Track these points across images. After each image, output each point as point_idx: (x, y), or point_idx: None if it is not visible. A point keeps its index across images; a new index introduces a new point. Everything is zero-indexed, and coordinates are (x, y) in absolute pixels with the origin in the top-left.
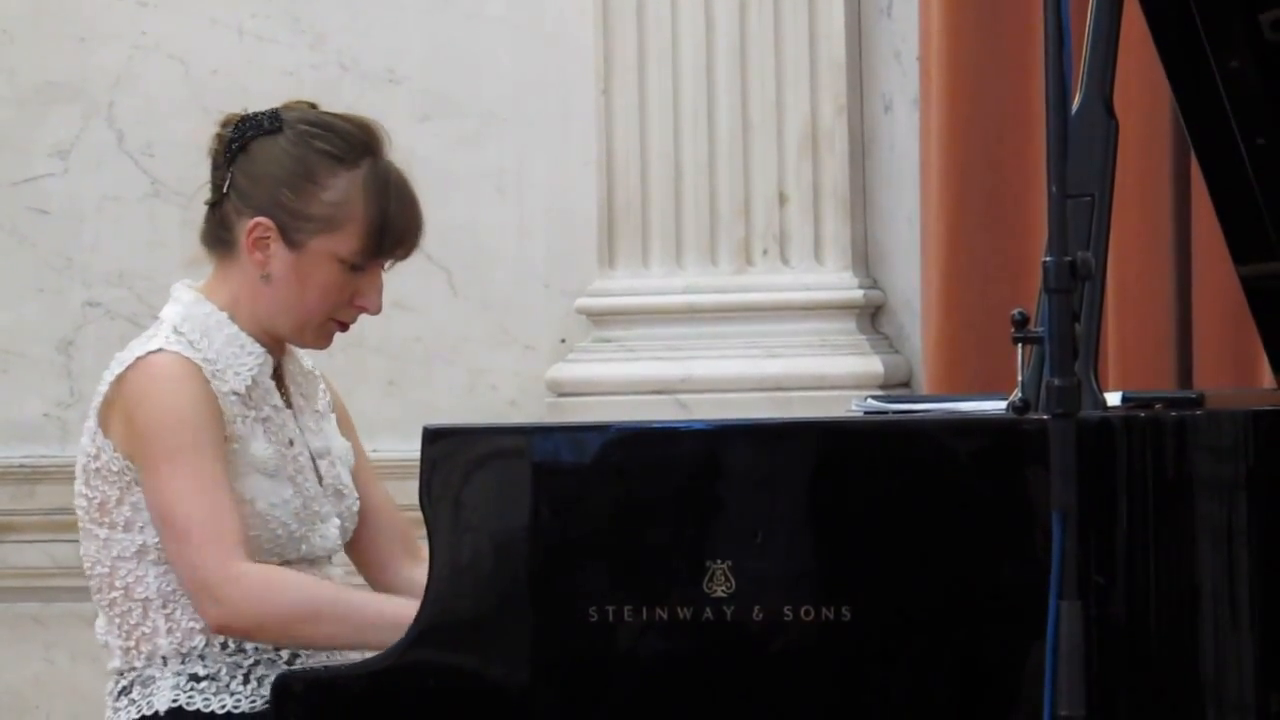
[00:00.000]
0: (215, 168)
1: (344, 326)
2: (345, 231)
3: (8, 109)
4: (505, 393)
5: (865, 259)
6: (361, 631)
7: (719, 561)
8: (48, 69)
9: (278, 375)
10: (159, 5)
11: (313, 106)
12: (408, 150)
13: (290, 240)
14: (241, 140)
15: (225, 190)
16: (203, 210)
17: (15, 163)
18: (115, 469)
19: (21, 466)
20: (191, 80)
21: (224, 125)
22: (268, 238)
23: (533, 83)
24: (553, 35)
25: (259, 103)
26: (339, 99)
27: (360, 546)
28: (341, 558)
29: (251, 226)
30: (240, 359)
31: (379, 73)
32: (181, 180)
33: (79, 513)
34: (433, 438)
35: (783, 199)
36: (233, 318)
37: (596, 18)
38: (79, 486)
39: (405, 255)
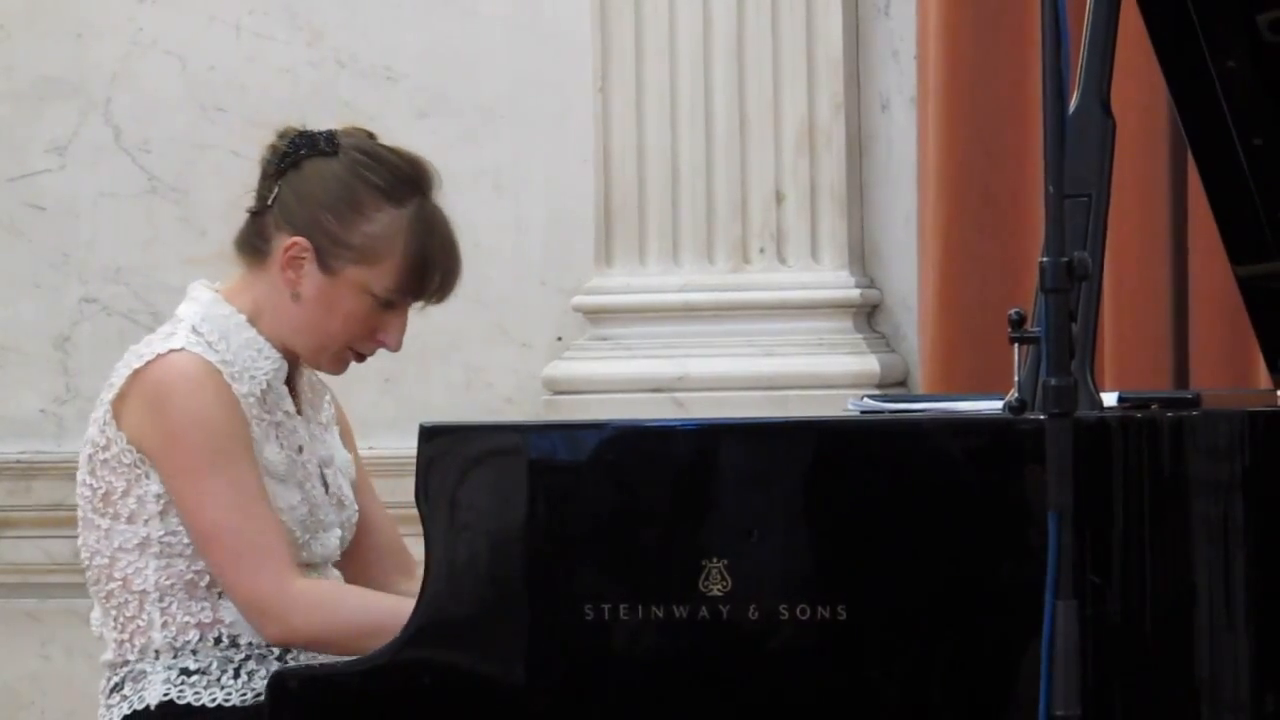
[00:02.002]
0: (264, 177)
1: (361, 358)
2: (382, 266)
3: (4, 105)
4: (502, 390)
5: (862, 258)
6: None
7: (715, 560)
8: (45, 65)
9: (290, 382)
10: (156, 2)
11: (371, 135)
12: (404, 148)
13: (325, 265)
14: (295, 156)
15: (270, 202)
16: (201, 207)
17: (12, 159)
18: (127, 461)
19: (18, 462)
20: (188, 77)
21: (281, 137)
22: (303, 258)
23: (530, 80)
24: (550, 33)
25: (257, 100)
26: (336, 96)
27: (355, 560)
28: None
29: (289, 245)
30: (257, 363)
31: (376, 70)
32: (178, 177)
33: (80, 502)
34: (429, 435)
35: (780, 197)
36: (251, 322)
37: (594, 15)
38: (82, 476)
39: (439, 300)
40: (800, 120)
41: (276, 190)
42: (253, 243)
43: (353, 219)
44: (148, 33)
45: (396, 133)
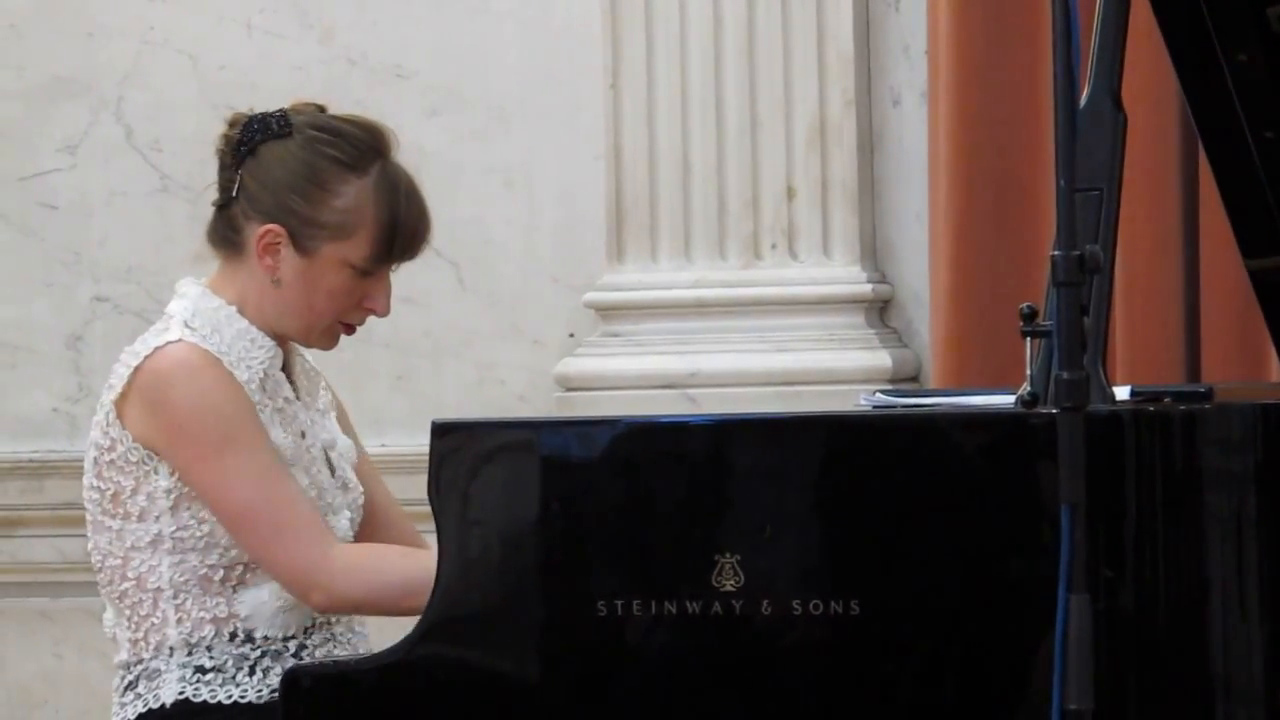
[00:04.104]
0: (223, 169)
1: (351, 329)
2: (357, 238)
3: (16, 104)
4: (514, 387)
5: (874, 253)
6: None
7: (728, 555)
8: (56, 64)
9: (286, 368)
10: (167, 1)
11: (321, 109)
12: (416, 145)
13: (301, 247)
14: (250, 143)
15: (234, 193)
16: (211, 206)
17: (24, 158)
18: (134, 459)
19: (30, 461)
20: (200, 75)
21: (231, 126)
22: (278, 244)
23: (541, 77)
24: (561, 30)
25: (268, 98)
26: (347, 94)
27: (365, 542)
28: None
29: (263, 233)
30: (251, 352)
31: (387, 68)
32: (190, 175)
33: (89, 505)
34: (441, 432)
35: (791, 193)
36: (241, 312)
37: (605, 12)
38: (89, 479)
39: (413, 257)
40: (811, 116)
41: (239, 180)
42: (225, 235)
43: (320, 197)
44: (159, 32)
45: (407, 130)
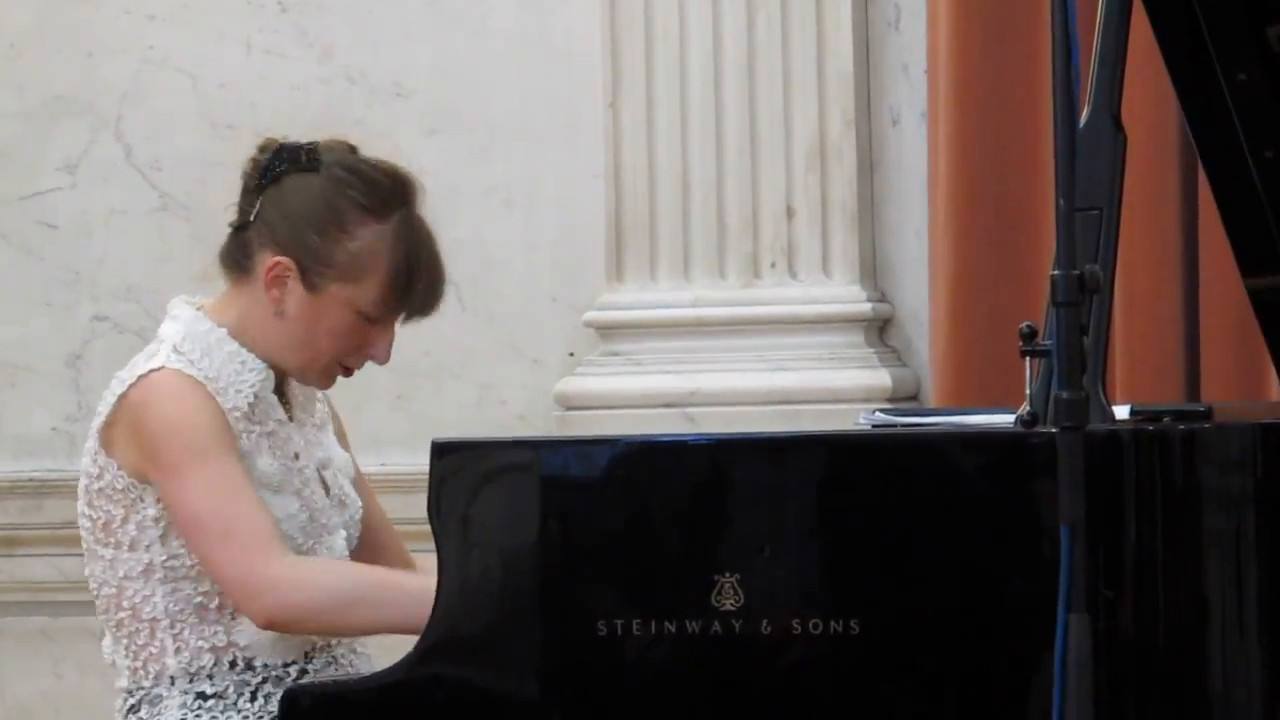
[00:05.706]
0: (245, 191)
1: (349, 371)
2: (366, 282)
3: (16, 123)
4: (513, 407)
5: (873, 272)
6: (397, 610)
7: (727, 575)
8: (56, 83)
9: (280, 389)
10: (167, 19)
11: (353, 149)
12: (415, 165)
13: (309, 282)
14: (275, 171)
15: (252, 217)
16: (212, 224)
17: (23, 176)
18: (120, 487)
19: (30, 480)
20: (199, 94)
21: (261, 150)
22: (287, 276)
23: (540, 97)
24: (560, 50)
25: (267, 117)
26: (347, 113)
27: (358, 559)
28: None
29: (273, 264)
30: (242, 376)
31: (387, 87)
32: (189, 194)
33: (83, 534)
34: (441, 452)
35: (790, 212)
36: (235, 336)
37: (604, 32)
38: (81, 507)
39: (424, 314)
40: (811, 135)
41: (258, 205)
42: (236, 258)
43: (336, 236)
44: (158, 51)
45: (407, 149)
